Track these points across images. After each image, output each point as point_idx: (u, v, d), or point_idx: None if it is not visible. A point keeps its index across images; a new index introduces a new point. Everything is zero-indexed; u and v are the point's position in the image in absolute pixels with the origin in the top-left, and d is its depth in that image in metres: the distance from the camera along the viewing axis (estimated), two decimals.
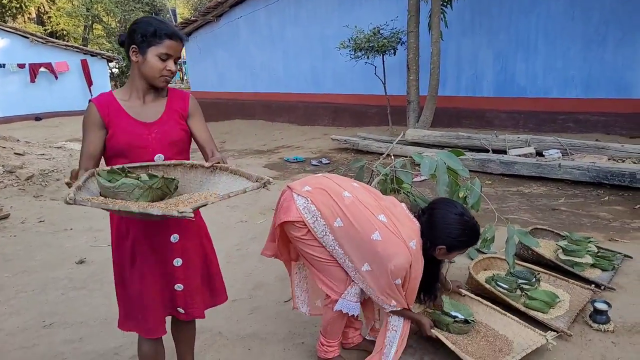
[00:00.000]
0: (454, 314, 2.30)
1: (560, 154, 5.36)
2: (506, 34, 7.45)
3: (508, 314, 2.35)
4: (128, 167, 1.51)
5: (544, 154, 5.47)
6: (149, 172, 1.50)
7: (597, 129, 6.74)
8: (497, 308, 2.39)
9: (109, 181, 1.40)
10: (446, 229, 1.82)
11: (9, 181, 5.76)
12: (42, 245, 4.12)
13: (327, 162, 6.79)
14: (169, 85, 1.71)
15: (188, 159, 1.65)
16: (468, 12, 7.69)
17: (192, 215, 1.19)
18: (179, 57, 1.61)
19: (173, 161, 1.61)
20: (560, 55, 7.03)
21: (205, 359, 2.34)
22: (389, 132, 8.03)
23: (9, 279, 3.46)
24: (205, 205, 1.32)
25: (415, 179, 5.05)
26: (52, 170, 6.31)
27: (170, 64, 1.57)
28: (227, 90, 12.10)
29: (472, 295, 2.50)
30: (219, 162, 1.58)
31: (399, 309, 1.92)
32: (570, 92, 7.05)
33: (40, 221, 4.75)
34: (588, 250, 3.03)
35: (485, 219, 3.87)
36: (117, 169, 1.49)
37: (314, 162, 6.78)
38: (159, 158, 1.61)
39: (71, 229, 4.47)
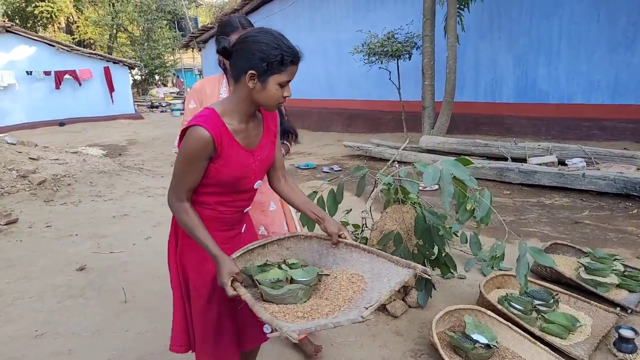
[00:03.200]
0: (475, 337, 2.14)
1: (585, 163, 5.06)
2: (527, 38, 7.17)
3: (538, 343, 2.16)
4: (252, 248, 1.56)
5: (566, 163, 5.18)
6: (284, 260, 1.56)
7: (625, 136, 6.38)
8: (527, 335, 2.21)
9: (271, 282, 1.42)
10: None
11: (22, 185, 5.79)
12: (46, 251, 4.08)
13: (339, 169, 6.63)
14: None
15: None
16: (486, 15, 7.45)
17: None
18: None
19: (287, 233, 1.65)
20: (584, 59, 6.70)
21: None
22: (404, 139, 7.82)
23: (8, 285, 3.41)
24: (380, 304, 1.31)
25: (426, 188, 4.85)
26: (65, 175, 6.33)
27: (288, 90, 1.39)
28: None
29: (501, 319, 2.31)
30: (341, 235, 1.54)
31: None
32: (595, 98, 6.71)
33: (48, 226, 4.73)
34: (613, 269, 2.78)
35: (498, 233, 3.65)
36: (258, 266, 1.49)
37: (324, 169, 6.63)
38: (257, 184, 1.55)
39: (76, 234, 4.43)
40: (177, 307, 1.60)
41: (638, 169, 4.72)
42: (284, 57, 1.32)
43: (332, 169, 6.62)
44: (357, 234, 3.27)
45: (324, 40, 9.89)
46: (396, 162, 3.20)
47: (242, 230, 1.67)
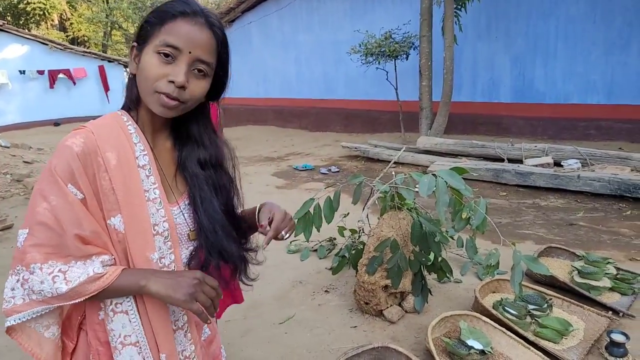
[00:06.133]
0: (470, 343, 2.18)
1: (580, 165, 5.11)
2: (524, 38, 7.20)
3: (532, 348, 2.20)
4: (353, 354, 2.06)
5: (562, 164, 5.22)
6: None
7: (621, 136, 6.43)
8: (521, 340, 2.25)
9: None
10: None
11: (16, 190, 5.79)
12: None
13: (337, 170, 6.64)
14: None
15: None
16: (484, 16, 7.46)
17: None
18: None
19: (380, 343, 2.16)
20: (581, 60, 6.74)
21: None
22: (402, 139, 7.85)
23: None
24: None
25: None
26: None
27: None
28: (239, 96, 12.07)
29: (496, 325, 2.35)
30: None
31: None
32: (591, 98, 6.75)
33: None
34: (606, 272, 2.82)
35: (493, 236, 3.67)
36: None
37: (322, 170, 6.64)
38: None
39: None
40: None
41: (632, 170, 4.76)
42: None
43: (330, 170, 6.64)
44: (354, 239, 3.30)
45: (321, 41, 9.89)
46: (392, 169, 3.23)
47: None
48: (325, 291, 3.04)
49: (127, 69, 0.94)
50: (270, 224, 1.01)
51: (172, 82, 0.86)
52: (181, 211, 0.98)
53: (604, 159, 5.12)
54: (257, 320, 2.75)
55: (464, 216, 2.13)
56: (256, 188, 5.97)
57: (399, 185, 2.54)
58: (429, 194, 2.05)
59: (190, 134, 1.01)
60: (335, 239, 3.71)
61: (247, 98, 11.95)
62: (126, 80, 0.98)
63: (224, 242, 0.99)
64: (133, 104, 0.95)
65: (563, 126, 6.92)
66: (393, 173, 2.57)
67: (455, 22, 6.65)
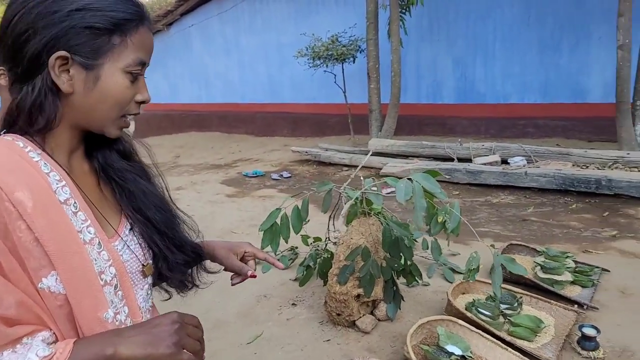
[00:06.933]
0: (449, 349, 2.11)
1: (525, 162, 5.32)
2: (464, 40, 7.45)
3: (509, 349, 2.17)
4: None
5: (509, 161, 5.41)
6: None
7: (556, 133, 6.81)
8: (498, 342, 2.21)
9: None
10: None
11: None
12: None
13: (289, 175, 6.48)
14: None
15: None
16: (426, 18, 7.65)
17: None
18: None
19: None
20: (517, 61, 7.08)
21: None
22: (351, 142, 7.84)
23: None
24: None
25: (384, 190, 4.85)
26: None
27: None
28: (181, 101, 11.57)
29: (472, 328, 2.29)
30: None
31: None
32: (528, 98, 7.11)
33: None
34: (566, 267, 2.89)
35: (454, 238, 3.69)
36: None
37: (274, 176, 6.45)
38: None
39: None
40: None
41: (573, 165, 5.03)
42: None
43: (282, 175, 6.46)
44: (318, 246, 3.17)
45: (265, 43, 9.69)
46: (346, 173, 3.14)
47: None
48: (293, 304, 2.88)
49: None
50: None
51: (143, 101, 0.77)
52: (125, 243, 0.78)
53: (547, 156, 5.37)
54: (222, 341, 2.53)
55: (439, 220, 2.06)
56: (206, 197, 5.67)
57: (368, 190, 2.45)
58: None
59: (100, 138, 0.80)
60: (297, 247, 3.55)
61: (188, 104, 11.48)
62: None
63: (181, 233, 0.88)
64: (43, 126, 0.69)
65: (504, 125, 7.23)
66: (362, 177, 2.47)
67: (401, 26, 6.74)
